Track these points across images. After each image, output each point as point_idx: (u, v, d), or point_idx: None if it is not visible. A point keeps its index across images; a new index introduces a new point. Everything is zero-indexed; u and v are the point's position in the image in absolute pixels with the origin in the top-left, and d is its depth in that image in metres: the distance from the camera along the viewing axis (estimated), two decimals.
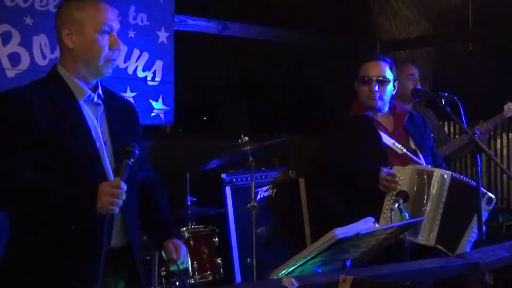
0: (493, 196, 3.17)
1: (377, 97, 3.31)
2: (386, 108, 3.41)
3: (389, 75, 3.35)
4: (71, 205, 2.16)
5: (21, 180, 2.15)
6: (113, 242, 2.28)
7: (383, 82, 3.32)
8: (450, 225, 3.01)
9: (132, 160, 2.17)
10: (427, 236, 2.97)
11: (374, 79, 3.31)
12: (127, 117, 2.47)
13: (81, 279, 2.17)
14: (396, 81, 3.43)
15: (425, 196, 3.02)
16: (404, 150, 3.24)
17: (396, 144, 3.25)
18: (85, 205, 2.13)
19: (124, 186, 2.14)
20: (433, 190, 3.02)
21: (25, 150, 2.15)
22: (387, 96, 3.36)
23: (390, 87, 3.36)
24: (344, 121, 3.43)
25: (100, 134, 2.30)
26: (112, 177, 2.25)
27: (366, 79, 3.32)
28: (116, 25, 2.32)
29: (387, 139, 3.26)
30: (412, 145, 3.35)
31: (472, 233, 3.06)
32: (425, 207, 3.00)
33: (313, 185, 4.66)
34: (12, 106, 2.19)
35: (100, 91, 2.36)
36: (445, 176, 3.04)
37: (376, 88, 3.30)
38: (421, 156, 3.29)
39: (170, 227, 2.56)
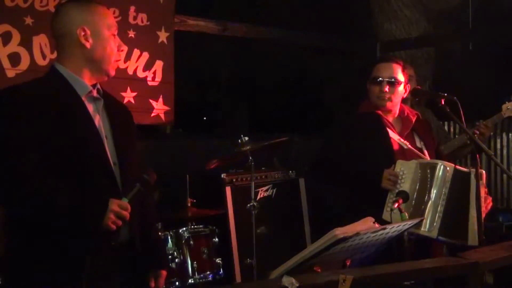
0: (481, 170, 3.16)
1: (386, 98, 3.32)
2: (396, 110, 3.41)
3: (401, 77, 3.36)
4: (79, 216, 2.19)
5: (32, 185, 2.17)
6: (124, 236, 2.33)
7: (393, 83, 3.33)
8: (453, 216, 3.02)
9: (144, 188, 2.27)
10: (429, 227, 2.98)
11: (386, 80, 3.32)
12: (124, 116, 2.54)
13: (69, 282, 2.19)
14: (408, 84, 3.43)
15: (428, 189, 3.04)
16: (409, 145, 3.26)
17: (402, 140, 3.27)
18: (93, 219, 2.18)
19: (129, 209, 2.22)
20: (436, 182, 3.03)
21: (34, 146, 2.17)
22: (396, 98, 3.36)
23: (400, 89, 3.37)
24: (352, 117, 3.44)
25: (102, 128, 2.35)
26: (114, 169, 2.31)
27: (377, 79, 3.33)
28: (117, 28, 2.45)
29: (393, 135, 3.28)
30: (418, 144, 3.37)
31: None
32: (428, 200, 3.01)
33: (313, 183, 4.66)
34: (19, 101, 2.21)
35: (98, 86, 2.43)
36: (448, 168, 3.05)
37: (387, 89, 3.31)
38: (426, 153, 3.31)
39: (161, 254, 2.65)
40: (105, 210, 2.17)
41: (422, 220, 2.96)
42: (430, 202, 3.01)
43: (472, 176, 3.07)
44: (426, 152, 3.33)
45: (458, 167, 3.15)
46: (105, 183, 2.27)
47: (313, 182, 4.61)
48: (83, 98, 2.33)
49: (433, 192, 3.03)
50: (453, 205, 3.04)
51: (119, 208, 2.19)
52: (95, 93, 2.38)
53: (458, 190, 3.07)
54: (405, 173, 3.09)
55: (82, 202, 2.19)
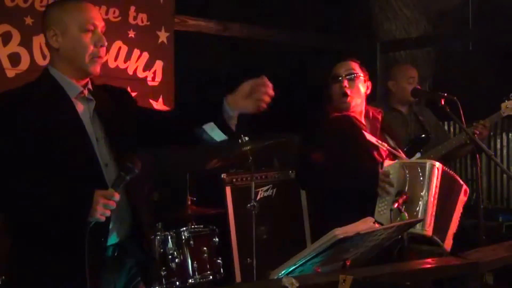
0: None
1: (348, 93, 3.31)
2: (362, 109, 3.39)
3: (359, 72, 3.36)
4: (65, 210, 2.18)
5: (16, 184, 2.18)
6: (121, 232, 2.34)
7: (352, 78, 3.32)
8: (441, 216, 3.03)
9: (129, 176, 2.22)
10: (424, 226, 2.99)
11: (344, 75, 3.32)
12: (120, 105, 2.47)
13: (70, 279, 2.19)
14: (369, 82, 3.43)
15: (420, 188, 3.03)
16: (387, 146, 3.24)
17: (379, 141, 3.25)
18: (79, 211, 2.17)
19: (116, 198, 2.19)
20: (427, 181, 3.03)
21: (19, 150, 2.18)
22: (357, 94, 3.33)
23: (361, 85, 3.34)
24: (326, 121, 3.38)
25: (93, 130, 2.32)
26: (104, 170, 2.29)
27: (336, 78, 3.35)
28: (99, 23, 2.35)
29: (370, 137, 3.25)
30: (391, 143, 3.36)
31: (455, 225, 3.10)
32: (422, 199, 3.01)
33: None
34: (2, 109, 2.22)
35: (90, 86, 2.38)
36: (437, 165, 3.06)
37: (346, 84, 3.30)
38: (401, 152, 3.31)
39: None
40: (91, 202, 2.15)
41: (421, 220, 2.96)
42: (423, 201, 3.01)
43: (463, 189, 3.10)
44: (400, 150, 3.32)
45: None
46: (93, 184, 2.24)
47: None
48: (74, 100, 2.31)
49: (425, 191, 3.02)
50: (442, 206, 3.05)
51: (104, 198, 2.16)
52: (86, 94, 2.34)
53: (447, 190, 3.08)
54: (392, 173, 3.08)
55: (67, 200, 2.18)
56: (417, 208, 2.98)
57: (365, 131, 3.28)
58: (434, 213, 2.99)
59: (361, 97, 3.36)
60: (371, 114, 3.40)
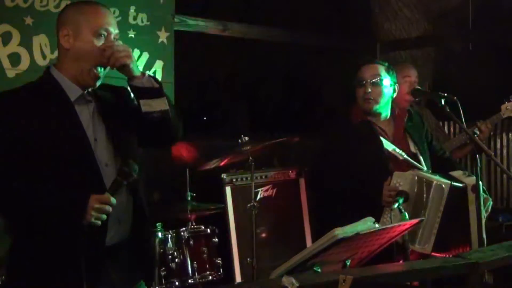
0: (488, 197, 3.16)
1: (371, 99, 3.27)
2: (386, 113, 3.36)
3: (385, 76, 3.31)
4: (60, 213, 2.19)
5: (13, 184, 2.19)
6: (122, 234, 2.34)
7: (377, 83, 3.26)
8: (450, 230, 3.01)
9: (126, 181, 2.21)
10: (423, 244, 2.98)
11: (368, 80, 3.28)
12: (119, 104, 2.46)
13: (68, 280, 2.19)
14: (396, 84, 3.39)
15: (424, 204, 3.02)
16: (405, 156, 3.21)
17: (397, 150, 3.21)
18: (73, 215, 2.17)
19: (113, 202, 2.18)
20: (431, 199, 3.01)
21: (17, 150, 2.18)
22: (383, 99, 3.30)
23: (386, 90, 3.32)
24: (345, 127, 3.40)
25: (92, 130, 2.32)
26: (103, 172, 2.29)
27: (361, 82, 3.30)
28: (114, 30, 2.34)
29: (388, 145, 3.23)
30: (413, 149, 3.31)
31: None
32: (424, 215, 3.00)
33: (313, 187, 4.66)
34: (1, 108, 2.23)
35: (89, 88, 2.38)
36: (443, 186, 3.03)
37: (369, 90, 3.26)
38: (421, 159, 3.27)
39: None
40: (85, 207, 2.15)
41: (418, 233, 2.95)
42: (426, 218, 2.99)
43: (469, 188, 3.07)
44: (421, 158, 3.28)
45: (453, 183, 3.12)
46: (91, 185, 2.24)
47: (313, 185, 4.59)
48: (74, 101, 2.31)
49: (429, 209, 3.01)
50: (451, 220, 3.02)
51: (99, 203, 2.16)
52: (86, 96, 2.34)
53: (455, 205, 3.05)
54: (402, 184, 3.06)
55: (62, 203, 2.19)
56: (419, 225, 2.97)
57: (385, 137, 3.25)
58: (436, 231, 2.98)
59: (386, 101, 3.32)
60: (396, 113, 3.38)
